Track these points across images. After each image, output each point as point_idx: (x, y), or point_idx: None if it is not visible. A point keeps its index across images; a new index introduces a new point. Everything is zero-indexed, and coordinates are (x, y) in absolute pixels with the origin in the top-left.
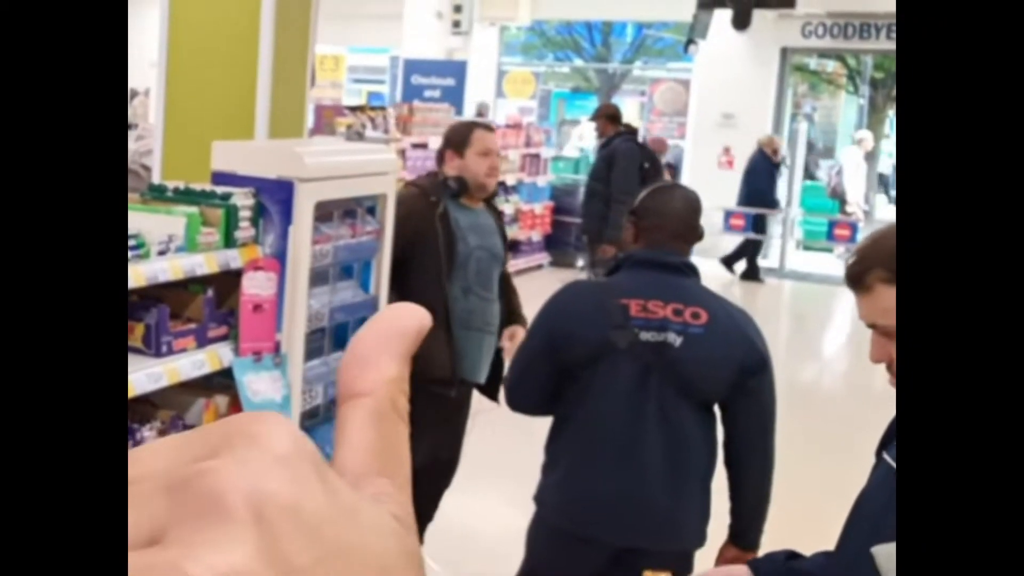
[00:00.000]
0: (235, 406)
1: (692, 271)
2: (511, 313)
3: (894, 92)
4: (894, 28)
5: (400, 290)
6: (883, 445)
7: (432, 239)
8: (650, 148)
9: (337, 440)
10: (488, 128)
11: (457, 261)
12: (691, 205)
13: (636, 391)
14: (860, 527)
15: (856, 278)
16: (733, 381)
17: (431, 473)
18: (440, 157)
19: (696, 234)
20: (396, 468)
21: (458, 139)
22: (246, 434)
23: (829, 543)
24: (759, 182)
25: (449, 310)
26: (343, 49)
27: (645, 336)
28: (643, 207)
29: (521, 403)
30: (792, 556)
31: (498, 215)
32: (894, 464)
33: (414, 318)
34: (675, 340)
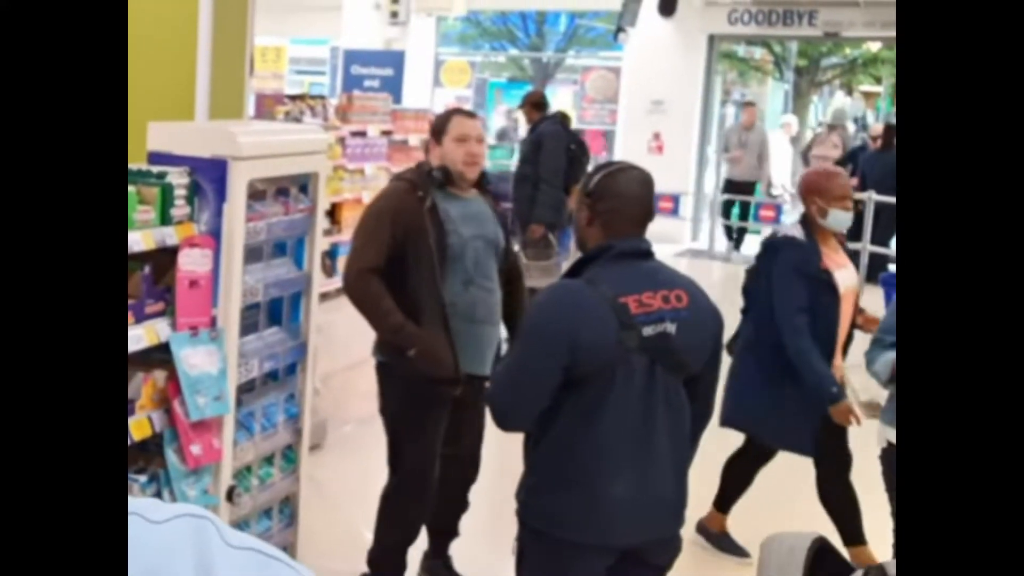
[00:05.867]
0: (173, 380)
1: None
2: (517, 306)
3: (817, 78)
4: (816, 15)
5: (399, 289)
6: None
7: (423, 235)
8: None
9: None
10: (468, 114)
11: (452, 254)
12: (648, 186)
13: (647, 389)
14: None
15: None
16: (711, 351)
17: (454, 470)
18: (426, 148)
19: (652, 216)
20: None
21: (437, 127)
22: None
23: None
24: None
25: (447, 307)
26: (284, 40)
27: (647, 331)
28: (600, 189)
29: (520, 422)
30: None
31: (494, 200)
32: None
33: None
34: (671, 328)
